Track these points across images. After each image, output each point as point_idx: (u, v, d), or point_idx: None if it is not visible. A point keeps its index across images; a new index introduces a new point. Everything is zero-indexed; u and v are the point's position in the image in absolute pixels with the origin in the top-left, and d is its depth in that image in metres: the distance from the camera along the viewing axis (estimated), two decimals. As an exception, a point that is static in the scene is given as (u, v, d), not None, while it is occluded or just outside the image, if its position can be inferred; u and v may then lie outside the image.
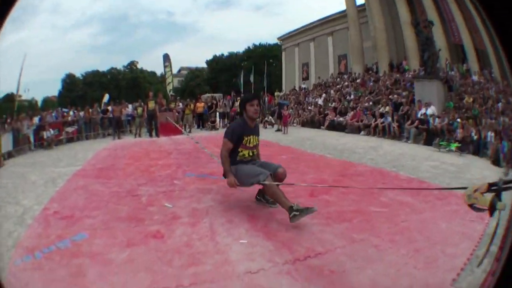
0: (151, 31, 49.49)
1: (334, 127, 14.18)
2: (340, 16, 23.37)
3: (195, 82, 36.38)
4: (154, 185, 5.03)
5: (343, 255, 2.71)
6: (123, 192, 4.63)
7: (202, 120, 15.92)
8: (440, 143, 9.31)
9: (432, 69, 12.73)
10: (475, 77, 14.81)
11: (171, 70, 20.77)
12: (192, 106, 15.50)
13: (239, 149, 3.75)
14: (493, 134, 8.98)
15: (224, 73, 35.21)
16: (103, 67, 35.87)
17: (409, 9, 18.42)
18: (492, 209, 1.45)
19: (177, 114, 14.51)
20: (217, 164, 5.48)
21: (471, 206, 1.54)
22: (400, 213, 3.69)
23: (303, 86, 24.58)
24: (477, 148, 9.01)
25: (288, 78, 28.63)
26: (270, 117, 16.38)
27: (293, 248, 2.81)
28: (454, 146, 9.03)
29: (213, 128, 15.33)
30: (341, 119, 14.37)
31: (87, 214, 3.64)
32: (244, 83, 26.21)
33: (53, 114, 13.66)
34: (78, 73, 34.19)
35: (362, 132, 12.74)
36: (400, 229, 3.26)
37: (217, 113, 16.56)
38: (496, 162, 7.61)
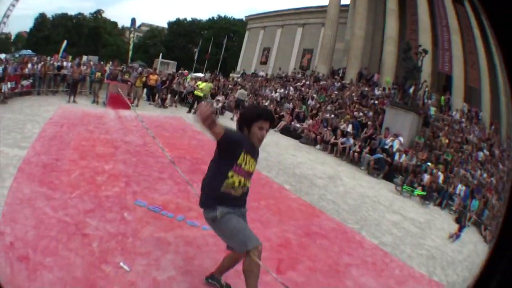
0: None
1: (289, 132, 14.14)
2: (318, 11, 23.44)
3: (152, 41, 37.01)
4: (103, 217, 4.76)
5: None
6: (72, 225, 4.39)
7: (153, 94, 16.06)
8: (404, 187, 9.33)
9: (411, 100, 12.51)
10: (455, 114, 14.50)
11: (134, 36, 21.98)
12: (144, 78, 15.52)
13: (229, 173, 2.80)
14: (463, 188, 8.99)
15: (183, 38, 35.67)
16: (74, 11, 38.03)
17: (399, 24, 18.12)
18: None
19: (129, 85, 14.65)
20: (169, 185, 6.04)
21: None
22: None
23: (261, 73, 24.46)
24: (441, 198, 9.08)
25: (246, 59, 28.63)
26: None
27: None
28: (417, 193, 9.11)
29: (163, 106, 15.53)
30: (297, 125, 14.21)
31: (41, 260, 3.59)
32: (199, 53, 26.60)
33: (14, 65, 13.56)
34: (50, 13, 36.80)
35: (318, 146, 12.78)
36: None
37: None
38: (459, 220, 8.00)
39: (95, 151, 7.68)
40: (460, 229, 7.30)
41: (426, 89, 15.15)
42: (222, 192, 2.80)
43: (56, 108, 11.32)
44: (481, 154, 11.04)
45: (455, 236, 7.01)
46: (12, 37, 34.81)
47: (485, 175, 9.87)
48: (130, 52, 22.23)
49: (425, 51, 12.85)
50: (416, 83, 12.70)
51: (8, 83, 11.65)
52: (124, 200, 5.44)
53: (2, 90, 11.22)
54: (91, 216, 4.72)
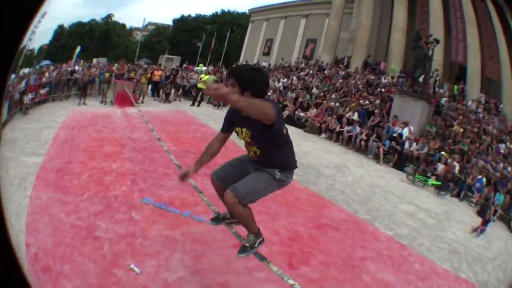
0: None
1: (293, 121, 13.58)
2: (322, 2, 22.89)
3: (157, 39, 37.67)
4: (112, 218, 4.83)
5: None
6: (83, 229, 4.48)
7: (157, 89, 16.05)
8: (416, 176, 8.96)
9: (421, 88, 12.17)
10: (471, 104, 13.97)
11: (141, 35, 22.91)
12: (149, 74, 15.58)
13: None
14: (484, 179, 8.59)
15: (187, 33, 35.84)
16: (88, 19, 38.06)
17: (408, 14, 17.42)
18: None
19: (135, 82, 14.66)
20: (174, 181, 5.88)
21: None
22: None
23: (263, 63, 24.07)
24: (458, 189, 8.71)
25: (248, 51, 28.20)
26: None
27: None
28: (432, 182, 8.73)
29: (167, 100, 15.48)
30: (301, 114, 13.94)
31: (60, 269, 3.70)
32: (203, 47, 26.67)
33: (34, 77, 13.57)
34: (66, 24, 36.77)
35: (323, 135, 12.50)
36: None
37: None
38: (481, 213, 7.59)
39: (103, 150, 7.82)
40: (485, 223, 6.89)
41: (437, 78, 14.67)
42: None
43: (68, 111, 11.49)
44: (503, 146, 10.64)
45: (479, 230, 6.60)
46: (35, 52, 37.42)
47: (509, 168, 9.43)
48: (137, 51, 22.52)
49: (437, 41, 12.44)
50: (427, 71, 12.34)
51: (29, 94, 11.73)
52: (131, 198, 5.51)
53: (24, 102, 11.29)
54: (100, 218, 4.79)
